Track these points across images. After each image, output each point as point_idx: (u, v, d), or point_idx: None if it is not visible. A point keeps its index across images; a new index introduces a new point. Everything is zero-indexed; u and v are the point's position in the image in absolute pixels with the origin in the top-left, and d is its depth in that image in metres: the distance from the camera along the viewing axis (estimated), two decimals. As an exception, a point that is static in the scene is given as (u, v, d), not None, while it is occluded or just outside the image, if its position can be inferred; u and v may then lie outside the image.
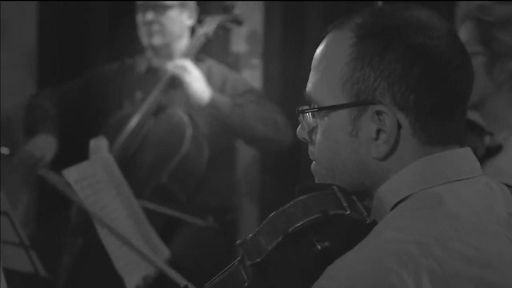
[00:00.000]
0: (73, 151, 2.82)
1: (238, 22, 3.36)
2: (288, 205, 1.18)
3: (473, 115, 2.34)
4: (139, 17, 3.22)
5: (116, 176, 2.47)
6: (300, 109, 1.28)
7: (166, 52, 3.22)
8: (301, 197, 1.19)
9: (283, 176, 3.77)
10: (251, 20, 3.79)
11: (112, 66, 3.40)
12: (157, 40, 3.19)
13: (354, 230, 1.17)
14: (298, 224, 1.15)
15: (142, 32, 3.22)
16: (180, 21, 3.22)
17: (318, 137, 1.25)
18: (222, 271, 1.21)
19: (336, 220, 1.17)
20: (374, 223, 1.19)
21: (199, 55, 3.25)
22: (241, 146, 3.64)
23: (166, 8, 3.18)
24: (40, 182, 4.13)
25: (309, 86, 1.27)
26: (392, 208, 1.20)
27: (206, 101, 3.05)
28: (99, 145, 2.48)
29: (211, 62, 3.33)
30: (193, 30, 3.27)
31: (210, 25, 3.25)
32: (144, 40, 3.22)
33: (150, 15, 3.17)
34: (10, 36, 4.22)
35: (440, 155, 1.20)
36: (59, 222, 3.02)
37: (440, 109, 1.19)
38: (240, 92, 3.19)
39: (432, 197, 1.17)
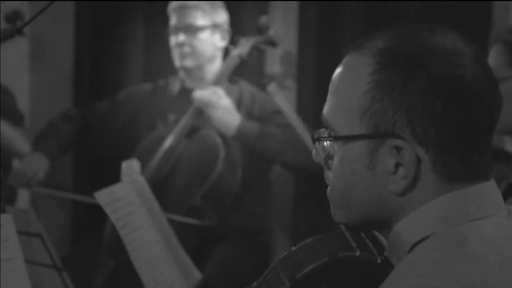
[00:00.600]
0: (106, 173, 2.84)
1: (272, 43, 3.35)
2: (295, 248, 1.14)
3: (502, 141, 2.29)
4: (172, 39, 3.23)
5: (148, 198, 2.46)
6: (315, 136, 1.24)
7: (199, 74, 3.22)
8: (308, 240, 1.15)
9: (317, 198, 3.75)
10: (285, 41, 3.78)
11: (145, 86, 3.41)
12: (188, 62, 3.19)
13: (365, 271, 1.13)
14: (306, 270, 1.11)
15: (174, 54, 3.23)
16: (212, 43, 3.23)
17: (334, 164, 1.21)
18: None
19: (345, 262, 1.13)
20: (386, 261, 1.14)
21: (232, 77, 3.25)
22: (276, 168, 3.62)
23: (197, 30, 3.18)
24: (75, 203, 4.18)
25: (326, 110, 1.22)
26: (412, 247, 1.15)
27: (233, 132, 3.05)
28: (131, 167, 2.48)
29: (244, 84, 3.32)
30: (227, 52, 3.27)
31: (244, 47, 3.25)
32: (176, 62, 3.22)
33: (181, 37, 3.18)
34: (47, 57, 4.27)
35: (462, 192, 1.14)
36: (92, 243, 3.02)
37: (463, 144, 1.13)
38: (268, 114, 3.18)
39: (454, 238, 1.11)
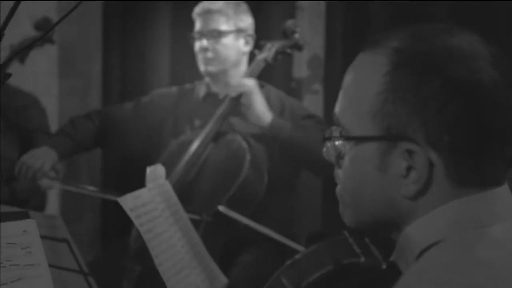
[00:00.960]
0: (133, 176, 2.84)
1: (298, 47, 3.33)
2: (298, 256, 1.13)
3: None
4: (196, 44, 3.24)
5: (174, 203, 2.46)
6: (327, 135, 1.23)
7: (223, 79, 3.22)
8: (312, 248, 1.13)
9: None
10: (312, 44, 3.77)
11: (171, 90, 3.42)
12: (211, 68, 3.20)
13: (371, 277, 1.11)
14: (311, 279, 1.10)
15: (198, 59, 3.23)
16: (236, 48, 3.22)
17: (345, 163, 1.20)
18: None
19: (350, 269, 1.11)
20: (392, 266, 1.12)
21: (257, 81, 3.24)
22: (304, 174, 3.61)
23: (221, 35, 3.18)
24: (104, 209, 4.20)
25: (338, 108, 1.21)
26: (421, 252, 1.13)
27: (267, 122, 3.03)
28: (156, 172, 2.47)
29: (270, 88, 3.31)
30: (252, 56, 3.26)
31: (269, 51, 3.24)
32: (201, 67, 3.23)
33: (204, 42, 3.19)
34: (76, 63, 4.31)
35: (474, 198, 1.12)
36: (120, 248, 3.03)
37: (476, 149, 1.11)
38: (298, 118, 3.17)
39: (464, 244, 1.09)
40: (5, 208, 2.19)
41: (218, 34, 3.18)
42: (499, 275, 1.05)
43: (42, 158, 3.12)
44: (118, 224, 3.47)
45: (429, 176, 1.12)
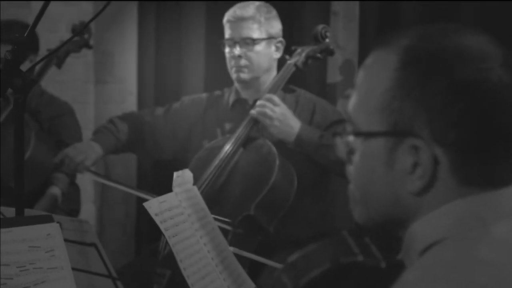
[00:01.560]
0: (166, 179, 2.85)
1: (329, 52, 3.31)
2: (298, 255, 1.13)
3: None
4: (227, 51, 3.23)
5: (201, 208, 2.46)
6: (338, 130, 1.25)
7: (255, 85, 3.22)
8: (310, 246, 1.14)
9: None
10: (346, 49, 3.76)
11: (201, 96, 3.43)
12: (245, 75, 3.19)
13: (369, 276, 1.11)
14: (309, 277, 1.10)
15: (230, 66, 3.23)
16: (268, 54, 3.21)
17: (355, 159, 1.21)
18: None
19: (348, 268, 1.11)
20: (393, 264, 1.12)
21: (288, 86, 3.23)
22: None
23: (254, 43, 3.17)
24: (140, 213, 4.23)
25: (350, 106, 1.22)
26: (425, 249, 1.13)
27: (291, 141, 3.03)
28: (183, 177, 2.48)
29: (300, 91, 3.30)
30: (283, 61, 3.25)
31: (299, 56, 3.22)
32: (233, 74, 3.22)
33: (237, 50, 3.18)
34: (112, 69, 4.35)
35: (480, 197, 1.11)
36: (151, 253, 3.04)
37: (482, 149, 1.11)
38: (328, 124, 3.15)
39: (467, 242, 1.09)
40: (31, 212, 2.21)
41: (251, 42, 3.16)
42: (501, 274, 1.05)
43: (85, 152, 3.16)
44: (153, 229, 3.49)
45: (434, 173, 1.12)
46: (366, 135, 1.17)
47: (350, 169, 1.23)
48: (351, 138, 1.21)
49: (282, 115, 3.04)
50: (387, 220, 1.18)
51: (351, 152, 1.22)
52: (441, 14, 3.56)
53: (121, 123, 3.36)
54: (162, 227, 2.22)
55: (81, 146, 3.20)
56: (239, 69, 3.19)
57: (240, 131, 3.07)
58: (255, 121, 3.08)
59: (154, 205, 2.25)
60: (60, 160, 3.14)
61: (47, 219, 1.93)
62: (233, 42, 3.19)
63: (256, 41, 3.17)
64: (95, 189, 4.40)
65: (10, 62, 2.01)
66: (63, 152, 3.16)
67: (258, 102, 3.07)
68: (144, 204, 2.22)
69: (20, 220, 1.92)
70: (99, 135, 3.32)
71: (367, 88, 1.19)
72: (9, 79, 2.01)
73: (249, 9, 3.19)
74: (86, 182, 4.34)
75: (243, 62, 3.17)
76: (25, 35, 2.09)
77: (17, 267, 1.84)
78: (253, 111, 3.06)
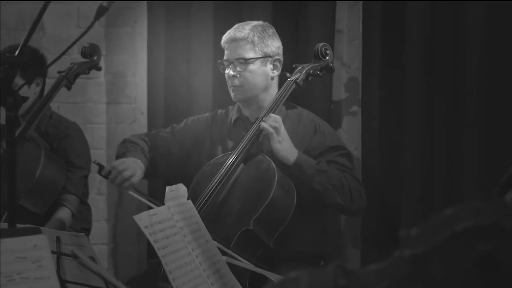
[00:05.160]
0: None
1: (329, 70, 3.34)
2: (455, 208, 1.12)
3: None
4: (226, 73, 3.28)
5: (194, 222, 2.52)
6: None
7: (255, 103, 3.27)
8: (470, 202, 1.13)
9: (382, 221, 3.74)
10: (351, 67, 3.81)
11: (204, 116, 3.47)
12: (240, 95, 3.25)
13: None
14: (465, 226, 1.09)
15: (228, 86, 3.29)
16: (263, 74, 3.26)
17: None
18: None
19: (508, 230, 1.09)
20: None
21: (289, 103, 3.27)
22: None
23: (247, 62, 3.22)
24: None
25: None
26: None
27: (292, 160, 3.07)
28: (177, 191, 2.54)
29: (302, 110, 3.34)
30: (284, 78, 3.29)
31: (300, 73, 3.26)
32: (230, 93, 3.28)
33: (232, 71, 3.23)
34: (123, 89, 4.44)
35: None
36: (154, 267, 3.09)
37: None
38: (324, 148, 3.19)
39: None
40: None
41: (244, 61, 3.21)
42: None
43: (134, 168, 3.13)
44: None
45: None
46: None
47: None
48: None
49: (286, 136, 3.09)
50: None
51: None
52: (446, 34, 3.60)
53: (139, 140, 3.36)
54: (151, 239, 2.28)
55: (129, 161, 3.16)
56: (234, 88, 3.25)
57: (241, 147, 3.10)
58: (259, 134, 3.11)
59: (144, 218, 2.30)
60: (107, 172, 3.11)
61: (34, 231, 2.00)
62: (229, 63, 3.25)
63: (249, 60, 3.21)
64: (108, 207, 4.47)
65: (1, 81, 2.08)
66: (111, 164, 3.15)
67: (268, 116, 3.11)
68: (134, 217, 2.28)
69: (7, 232, 1.98)
70: (135, 153, 3.27)
71: None
72: (1, 98, 2.08)
73: (244, 30, 3.24)
74: (99, 200, 4.42)
75: (237, 81, 3.23)
76: (16, 54, 2.16)
77: (4, 277, 1.91)
78: (263, 123, 3.09)
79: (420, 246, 1.11)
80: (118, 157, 3.31)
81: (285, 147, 3.08)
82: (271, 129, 3.05)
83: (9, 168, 2.11)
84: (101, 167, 3.13)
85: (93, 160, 3.29)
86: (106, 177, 3.12)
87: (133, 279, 3.27)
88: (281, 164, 3.07)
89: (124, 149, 3.32)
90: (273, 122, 3.07)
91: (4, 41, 4.49)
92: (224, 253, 2.71)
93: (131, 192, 3.11)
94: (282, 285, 1.25)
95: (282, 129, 3.08)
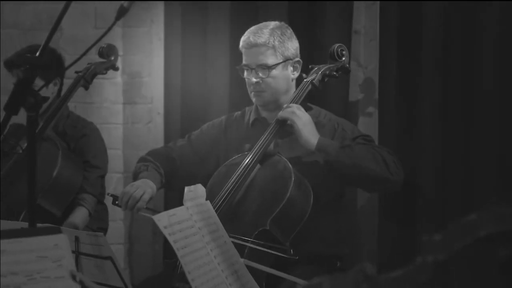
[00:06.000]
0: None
1: (345, 70, 3.34)
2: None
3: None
4: (246, 77, 3.27)
5: (213, 222, 2.52)
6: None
7: (274, 106, 3.27)
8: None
9: (398, 222, 3.73)
10: (367, 68, 3.81)
11: (219, 120, 3.48)
12: (263, 100, 3.25)
13: None
14: (489, 231, 1.08)
15: (249, 91, 3.28)
16: (285, 76, 3.25)
17: None
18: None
19: None
20: None
21: (305, 103, 3.27)
22: (350, 192, 3.64)
23: (270, 68, 3.20)
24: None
25: None
26: None
27: (315, 144, 3.06)
28: (195, 192, 2.54)
29: (319, 109, 3.34)
30: (301, 78, 3.29)
31: (316, 74, 3.26)
32: (252, 98, 3.28)
33: (253, 77, 3.22)
34: (139, 90, 4.45)
35: None
36: (169, 267, 3.10)
37: None
38: (349, 139, 3.18)
39: None
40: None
41: (267, 68, 3.19)
42: None
43: (143, 187, 3.15)
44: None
45: None
46: None
47: None
48: None
49: (308, 120, 3.09)
50: None
51: None
52: (462, 35, 3.59)
53: (156, 160, 3.38)
54: (171, 239, 2.29)
55: (138, 183, 3.19)
56: (257, 94, 3.24)
57: (258, 147, 3.11)
58: (278, 129, 3.11)
59: (164, 219, 2.31)
60: (120, 200, 3.14)
61: (55, 231, 2.01)
62: (250, 69, 3.23)
63: (272, 66, 3.20)
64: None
65: (22, 81, 2.09)
66: (122, 192, 3.17)
67: (284, 108, 3.11)
68: (153, 217, 2.29)
69: (28, 231, 2.00)
70: (145, 173, 3.29)
71: None
72: (22, 98, 2.09)
73: (263, 35, 3.21)
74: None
75: (260, 87, 3.22)
76: (37, 54, 2.17)
77: (25, 276, 1.92)
78: (281, 113, 3.10)
79: (443, 252, 1.11)
80: (133, 180, 3.34)
81: (308, 129, 3.07)
82: (289, 115, 3.07)
83: (30, 168, 2.12)
84: (115, 198, 3.18)
85: (107, 193, 3.36)
86: (120, 205, 3.15)
87: (149, 279, 3.28)
88: (298, 165, 3.08)
89: (138, 170, 3.35)
90: (290, 107, 3.09)
91: (20, 41, 4.51)
92: (241, 250, 2.72)
93: (143, 213, 3.14)
94: None
95: (305, 115, 3.09)
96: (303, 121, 3.07)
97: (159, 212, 3.27)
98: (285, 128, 3.13)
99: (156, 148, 3.63)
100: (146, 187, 3.16)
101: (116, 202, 3.16)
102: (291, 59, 3.25)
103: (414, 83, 3.70)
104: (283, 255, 2.88)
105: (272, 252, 2.86)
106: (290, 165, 3.03)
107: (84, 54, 2.25)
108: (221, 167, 3.24)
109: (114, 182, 4.40)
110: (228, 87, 4.13)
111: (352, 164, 3.05)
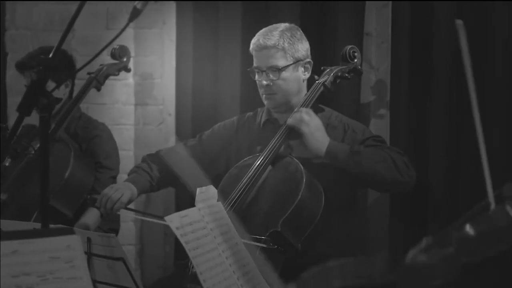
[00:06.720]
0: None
1: (357, 72, 3.34)
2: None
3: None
4: (257, 79, 3.28)
5: (225, 223, 2.52)
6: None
7: (286, 107, 3.27)
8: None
9: (409, 223, 3.73)
10: (379, 69, 3.80)
11: (231, 121, 3.49)
12: (274, 102, 3.26)
13: None
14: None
15: (261, 93, 3.28)
16: (296, 78, 3.26)
17: None
18: None
19: None
20: None
21: (317, 105, 3.27)
22: (371, 193, 3.64)
23: (280, 71, 3.20)
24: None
25: None
26: None
27: (323, 150, 3.05)
28: (207, 193, 2.55)
29: (331, 111, 3.34)
30: (312, 79, 3.29)
31: (328, 76, 3.26)
32: (263, 100, 3.29)
33: (264, 79, 3.22)
34: (151, 91, 4.45)
35: None
36: (181, 268, 3.10)
37: None
38: (359, 142, 3.18)
39: None
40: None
41: (277, 70, 3.20)
42: None
43: (122, 189, 3.24)
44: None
45: None
46: None
47: None
48: None
49: (316, 126, 3.07)
50: None
51: None
52: (474, 36, 3.58)
53: (156, 162, 3.41)
54: (183, 240, 2.29)
55: (117, 186, 3.30)
56: (268, 96, 3.25)
57: (269, 149, 3.11)
58: (288, 132, 3.11)
59: (176, 220, 2.32)
60: (99, 201, 3.23)
61: (67, 232, 2.01)
62: (260, 71, 3.24)
63: (282, 68, 3.20)
64: (135, 208, 4.48)
65: (35, 82, 2.10)
66: (101, 194, 3.26)
67: (294, 112, 3.10)
68: (166, 218, 2.29)
69: (41, 232, 2.00)
70: (133, 175, 3.39)
71: None
72: (34, 99, 2.10)
73: (272, 37, 3.21)
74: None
75: (271, 89, 3.22)
76: (51, 56, 2.18)
77: (37, 277, 1.92)
78: (289, 119, 3.10)
79: (477, 255, 1.11)
80: (128, 175, 3.47)
81: (316, 135, 3.06)
82: (297, 122, 3.05)
83: (42, 169, 2.13)
84: (94, 200, 3.28)
85: (87, 196, 3.46)
86: (99, 205, 3.25)
87: (160, 280, 3.29)
88: (309, 167, 3.07)
89: (129, 173, 3.47)
90: (299, 113, 3.07)
91: (33, 42, 4.53)
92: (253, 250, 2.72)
93: (123, 212, 3.27)
94: (328, 271, 1.25)
95: (314, 120, 3.07)
96: (311, 128, 3.05)
97: (141, 212, 3.37)
98: (295, 132, 3.13)
99: (165, 148, 3.63)
100: (125, 190, 3.25)
101: (96, 205, 3.24)
102: (301, 60, 3.25)
103: (425, 85, 3.70)
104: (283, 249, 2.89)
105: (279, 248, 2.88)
106: (301, 167, 3.03)
107: (97, 55, 2.25)
108: (232, 169, 3.24)
109: (125, 183, 4.40)
110: (239, 88, 4.13)
111: (361, 170, 3.05)
